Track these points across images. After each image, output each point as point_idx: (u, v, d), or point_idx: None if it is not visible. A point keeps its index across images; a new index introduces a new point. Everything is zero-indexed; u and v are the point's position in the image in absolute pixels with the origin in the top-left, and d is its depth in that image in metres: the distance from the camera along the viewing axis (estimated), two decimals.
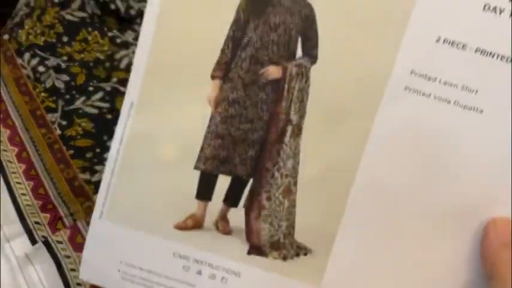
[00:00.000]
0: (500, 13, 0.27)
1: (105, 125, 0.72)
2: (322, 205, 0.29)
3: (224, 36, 0.29)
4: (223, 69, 0.30)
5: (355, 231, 0.31)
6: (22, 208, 0.63)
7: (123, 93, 0.76)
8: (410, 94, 0.30)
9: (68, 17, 0.83)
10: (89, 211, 0.64)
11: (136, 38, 0.82)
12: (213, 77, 0.30)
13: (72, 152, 0.70)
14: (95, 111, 0.74)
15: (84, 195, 0.65)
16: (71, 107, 0.74)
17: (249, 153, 0.30)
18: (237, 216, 0.30)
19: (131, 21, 0.82)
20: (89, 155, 0.69)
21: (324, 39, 0.28)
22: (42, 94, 0.75)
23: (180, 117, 0.31)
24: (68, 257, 0.59)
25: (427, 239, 0.31)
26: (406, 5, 0.28)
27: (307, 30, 0.28)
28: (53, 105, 0.74)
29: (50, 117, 0.73)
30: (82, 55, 0.80)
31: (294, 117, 0.29)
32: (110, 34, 0.82)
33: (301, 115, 0.29)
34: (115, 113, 0.74)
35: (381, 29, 0.29)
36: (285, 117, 0.29)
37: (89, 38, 0.82)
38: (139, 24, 0.82)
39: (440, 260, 0.31)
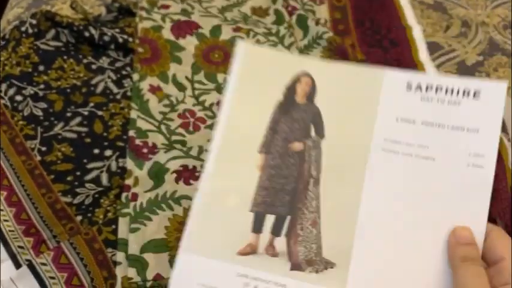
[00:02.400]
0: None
1: (84, 149, 0.74)
2: (339, 230, 0.43)
3: (266, 126, 0.49)
4: (266, 147, 0.48)
5: (366, 248, 0.43)
6: (5, 233, 0.64)
7: (100, 117, 0.78)
8: (386, 153, 0.47)
9: (43, 46, 0.85)
10: (71, 232, 0.65)
11: (111, 63, 0.84)
12: (260, 152, 0.48)
13: (52, 176, 0.71)
14: (73, 135, 0.75)
15: (67, 217, 0.66)
16: (50, 133, 0.76)
17: (286, 198, 0.45)
18: (280, 243, 0.44)
19: (105, 46, 0.85)
20: (69, 178, 0.71)
21: (327, 124, 0.47)
22: (21, 122, 0.76)
23: (240, 177, 0.48)
24: (53, 278, 0.60)
25: (421, 245, 0.45)
26: (374, 99, 0.49)
27: (317, 120, 0.47)
28: (32, 133, 0.75)
29: (29, 144, 0.74)
30: (59, 82, 0.81)
31: (313, 173, 0.45)
32: (85, 61, 0.84)
33: (318, 171, 0.46)
34: (93, 136, 0.75)
35: (361, 113, 0.48)
36: (308, 174, 0.46)
37: (65, 65, 0.84)
38: (114, 49, 0.84)
39: (432, 264, 0.43)
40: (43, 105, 0.78)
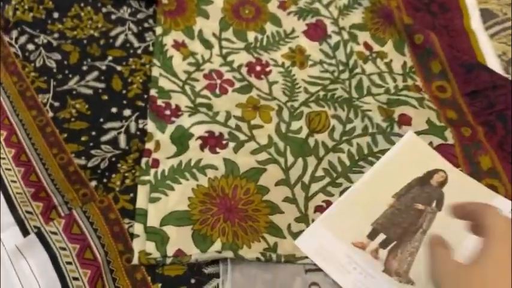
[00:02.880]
0: None
1: (101, 107, 0.67)
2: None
3: (404, 186, 0.62)
4: (399, 196, 0.61)
5: None
6: (12, 196, 0.58)
7: (119, 73, 0.72)
8: None
9: None
10: (85, 198, 0.59)
11: (132, 14, 0.76)
12: (393, 197, 0.61)
13: (65, 135, 0.64)
14: (89, 91, 0.69)
15: (80, 181, 0.60)
16: (64, 88, 0.69)
17: (398, 231, 0.58)
18: (382, 253, 0.57)
19: None
20: (84, 138, 0.64)
21: (445, 205, 0.60)
22: (32, 74, 0.70)
23: (377, 202, 0.61)
24: (64, 248, 0.54)
25: None
26: None
27: (439, 199, 0.60)
28: (44, 86, 0.69)
29: (41, 98, 0.67)
30: (75, 32, 0.74)
31: (424, 227, 0.58)
32: (104, 10, 0.77)
33: (427, 228, 0.58)
34: (111, 93, 0.68)
35: None
36: (419, 225, 0.58)
37: (82, 14, 0.76)
38: None
39: None
40: (57, 56, 0.71)
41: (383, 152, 0.64)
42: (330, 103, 0.68)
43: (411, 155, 0.63)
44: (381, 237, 0.58)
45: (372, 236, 0.58)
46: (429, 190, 0.61)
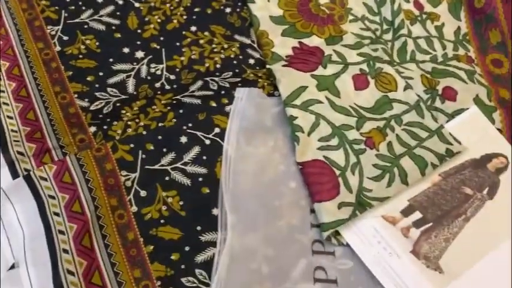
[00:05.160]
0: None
1: (112, 45, 0.61)
2: (459, 259, 0.51)
3: (456, 165, 0.56)
4: (446, 175, 0.56)
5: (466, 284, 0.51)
6: (6, 134, 0.54)
7: (136, 10, 0.65)
8: None
9: None
10: (81, 145, 0.54)
11: None
12: (439, 175, 0.56)
13: (71, 73, 0.59)
14: (102, 27, 0.63)
15: (79, 125, 0.55)
16: (76, 20, 0.63)
17: (437, 213, 0.53)
18: (414, 232, 0.52)
19: None
20: (90, 78, 0.59)
21: (499, 193, 0.55)
22: (43, 2, 0.64)
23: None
24: (52, 197, 0.50)
25: None
26: None
27: (493, 186, 0.55)
28: (55, 16, 0.63)
29: (49, 29, 0.62)
30: None
31: (468, 214, 0.53)
32: None
33: (472, 215, 0.53)
34: (125, 31, 0.62)
35: None
36: (463, 211, 0.53)
37: None
38: None
39: None
40: None
41: (412, 124, 0.57)
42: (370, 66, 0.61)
43: (471, 133, 0.57)
44: (416, 215, 0.53)
45: (406, 212, 0.53)
46: (483, 175, 0.55)
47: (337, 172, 0.53)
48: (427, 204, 0.53)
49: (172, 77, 0.60)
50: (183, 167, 0.53)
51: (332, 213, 0.51)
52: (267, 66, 0.60)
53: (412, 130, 0.57)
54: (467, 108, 0.58)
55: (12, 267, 0.47)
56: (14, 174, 0.51)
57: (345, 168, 0.54)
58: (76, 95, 0.57)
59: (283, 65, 0.60)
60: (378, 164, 0.54)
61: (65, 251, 0.46)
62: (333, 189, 0.52)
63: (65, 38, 0.61)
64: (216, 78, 0.60)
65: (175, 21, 0.64)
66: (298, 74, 0.59)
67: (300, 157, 0.54)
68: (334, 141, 0.55)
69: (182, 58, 0.61)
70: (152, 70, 0.60)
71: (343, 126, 0.56)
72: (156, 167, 0.53)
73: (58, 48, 0.60)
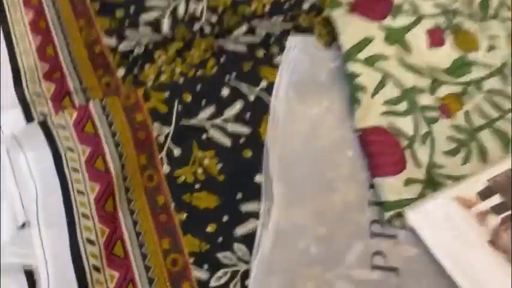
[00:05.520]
0: None
1: None
2: None
3: None
4: None
5: None
6: (21, 70, 0.47)
7: None
8: None
9: None
10: (107, 89, 0.47)
11: None
12: None
13: (97, 6, 0.53)
14: None
15: (105, 66, 0.50)
16: None
17: None
18: (492, 219, 0.45)
19: None
20: (119, 13, 0.53)
21: None
22: None
23: None
24: (71, 149, 0.43)
25: None
26: None
27: None
28: None
29: None
30: None
31: None
32: None
33: None
34: None
35: None
36: None
37: None
38: None
39: None
40: None
41: (495, 91, 0.49)
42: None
43: None
44: (496, 199, 0.46)
45: (484, 194, 0.46)
46: None
47: (405, 143, 0.46)
48: (510, 187, 0.46)
49: (213, 18, 0.53)
50: (223, 124, 0.46)
51: (396, 191, 0.44)
52: (325, 12, 0.52)
53: (494, 99, 0.49)
54: None
55: (23, 226, 0.41)
56: (28, 117, 0.45)
57: (414, 138, 0.46)
58: (103, 32, 0.52)
59: (345, 12, 0.52)
60: (453, 137, 0.47)
61: (85, 215, 0.40)
62: (398, 162, 0.45)
63: None
64: (264, 23, 0.53)
65: None
66: (363, 23, 0.51)
67: (360, 122, 0.47)
68: (403, 106, 0.48)
69: None
70: (191, 10, 0.53)
71: (414, 89, 0.48)
72: (194, 122, 0.46)
73: None
